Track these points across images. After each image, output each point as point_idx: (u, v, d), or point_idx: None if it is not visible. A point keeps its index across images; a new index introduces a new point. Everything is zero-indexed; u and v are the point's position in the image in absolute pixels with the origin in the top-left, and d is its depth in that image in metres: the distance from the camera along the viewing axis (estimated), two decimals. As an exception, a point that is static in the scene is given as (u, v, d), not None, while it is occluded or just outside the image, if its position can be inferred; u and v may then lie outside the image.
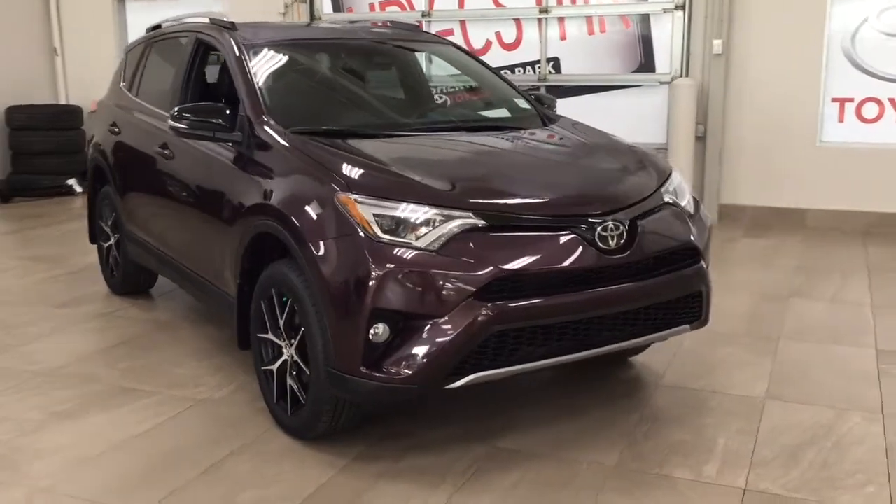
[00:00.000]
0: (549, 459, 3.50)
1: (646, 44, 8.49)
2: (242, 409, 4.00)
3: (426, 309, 3.14)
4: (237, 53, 4.33)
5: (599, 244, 3.36)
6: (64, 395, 4.21)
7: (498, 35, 8.98)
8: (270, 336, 3.71)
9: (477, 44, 9.08)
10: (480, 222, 3.27)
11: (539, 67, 8.87)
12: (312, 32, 4.84)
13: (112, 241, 5.83)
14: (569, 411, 3.95)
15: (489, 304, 3.14)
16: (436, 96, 4.96)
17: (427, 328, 3.15)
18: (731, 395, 4.13)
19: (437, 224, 3.23)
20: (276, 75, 4.33)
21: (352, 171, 3.46)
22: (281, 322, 3.61)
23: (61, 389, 4.28)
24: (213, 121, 3.98)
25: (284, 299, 3.57)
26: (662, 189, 3.80)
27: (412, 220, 3.23)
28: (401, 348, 3.18)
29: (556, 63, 8.83)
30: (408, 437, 3.70)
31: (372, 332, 3.16)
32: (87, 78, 10.67)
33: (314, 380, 3.41)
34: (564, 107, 8.76)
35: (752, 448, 3.59)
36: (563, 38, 8.78)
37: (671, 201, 3.79)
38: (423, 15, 9.15)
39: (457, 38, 9.09)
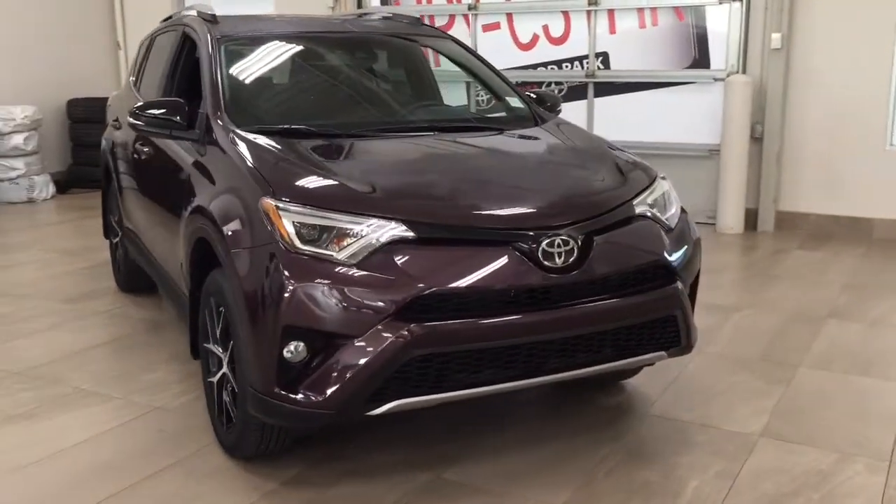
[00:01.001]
0: (491, 495, 3.18)
1: (700, 38, 7.96)
2: (193, 420, 3.82)
3: (342, 328, 2.87)
4: (208, 48, 4.14)
5: (543, 261, 3.01)
6: (26, 397, 4.12)
7: (545, 28, 8.59)
8: (212, 347, 3.51)
9: (524, 38, 8.72)
10: (410, 234, 2.97)
11: (587, 63, 8.44)
12: (300, 26, 4.60)
13: (119, 237, 5.77)
14: (533, 440, 3.61)
15: (409, 326, 2.84)
16: (422, 93, 4.62)
17: (343, 349, 2.88)
18: (723, 431, 3.71)
19: (362, 235, 2.95)
20: (244, 71, 4.12)
21: (280, 175, 3.21)
22: (218, 333, 3.40)
23: (26, 391, 4.19)
24: (170, 118, 3.81)
25: (220, 309, 3.36)
26: (637, 200, 3.41)
27: (336, 230, 2.96)
28: (317, 370, 2.92)
29: (604, 58, 8.38)
30: (350, 461, 3.44)
31: (286, 350, 2.91)
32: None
33: (240, 397, 3.19)
34: (612, 105, 8.38)
35: (724, 495, 3.18)
36: (612, 31, 8.32)
37: (646, 214, 3.40)
38: (470, 8, 8.84)
39: (503, 33, 8.78)
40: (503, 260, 2.98)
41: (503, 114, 4.44)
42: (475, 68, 4.70)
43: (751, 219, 7.81)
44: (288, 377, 2.94)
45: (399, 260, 2.91)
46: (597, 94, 8.46)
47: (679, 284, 3.35)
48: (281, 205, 3.03)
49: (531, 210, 3.16)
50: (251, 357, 3.02)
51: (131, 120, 3.85)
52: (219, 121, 3.72)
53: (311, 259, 2.92)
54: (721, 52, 7.87)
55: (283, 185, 3.13)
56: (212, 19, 4.42)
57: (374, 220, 2.97)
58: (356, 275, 2.89)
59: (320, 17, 5.02)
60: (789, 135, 7.70)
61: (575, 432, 3.69)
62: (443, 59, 5.01)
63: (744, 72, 7.71)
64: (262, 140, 3.52)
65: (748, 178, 7.72)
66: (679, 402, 4.00)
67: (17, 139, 9.44)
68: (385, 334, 2.84)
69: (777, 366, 4.45)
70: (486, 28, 8.86)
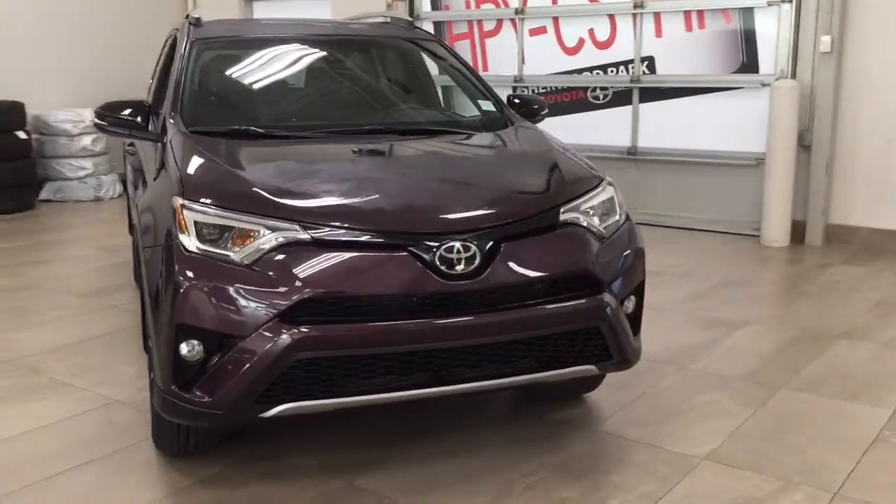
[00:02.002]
0: (400, 505, 3.11)
1: (749, 41, 7.62)
2: (144, 415, 3.86)
3: (230, 329, 2.87)
4: (181, 50, 4.23)
5: (441, 267, 2.92)
6: (0, 385, 4.30)
7: (591, 32, 8.41)
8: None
9: (569, 42, 8.55)
10: (306, 237, 2.94)
11: (632, 67, 8.20)
12: (280, 30, 4.65)
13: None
14: (463, 450, 3.51)
15: (293, 329, 2.81)
16: (391, 97, 4.55)
17: (232, 350, 2.87)
18: (666, 451, 3.51)
19: (259, 237, 2.94)
20: (210, 72, 4.18)
21: (193, 175, 3.24)
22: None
23: (2, 379, 4.36)
24: (131, 119, 3.89)
25: None
26: (566, 206, 3.27)
27: (236, 230, 2.96)
28: (210, 370, 2.92)
29: (650, 62, 8.13)
30: (271, 462, 3.43)
31: (183, 349, 2.93)
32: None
33: (151, 394, 3.23)
34: (657, 111, 8.10)
35: (639, 519, 3.01)
36: (658, 35, 8.06)
37: (574, 221, 3.26)
38: (517, 12, 8.73)
39: (549, 37, 8.64)
40: (398, 265, 2.91)
41: (474, 118, 4.34)
42: (456, 72, 4.61)
43: (798, 232, 7.42)
44: (185, 376, 2.95)
45: (291, 262, 2.89)
46: (642, 100, 8.22)
47: (606, 296, 3.19)
48: (187, 204, 3.05)
49: (433, 215, 3.08)
50: (155, 354, 3.06)
51: (96, 120, 3.95)
52: (171, 120, 3.79)
53: (208, 259, 2.93)
54: (770, 56, 7.51)
55: (193, 185, 3.15)
56: (195, 22, 4.50)
57: (272, 222, 2.96)
58: (248, 276, 2.88)
59: (315, 21, 5.02)
60: (840, 143, 7.27)
61: (510, 444, 3.57)
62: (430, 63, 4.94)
63: (794, 76, 7.33)
64: (199, 140, 3.56)
65: (795, 188, 7.33)
66: (634, 419, 3.82)
67: (86, 140, 9.89)
68: (269, 336, 2.82)
69: (757, 386, 4.19)
70: (533, 32, 8.74)
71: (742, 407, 3.95)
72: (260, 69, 4.40)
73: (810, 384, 4.23)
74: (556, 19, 8.59)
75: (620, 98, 8.32)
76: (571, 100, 8.65)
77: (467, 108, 4.62)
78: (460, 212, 3.11)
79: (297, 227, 2.94)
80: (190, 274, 2.91)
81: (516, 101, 4.49)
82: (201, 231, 2.98)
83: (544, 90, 8.79)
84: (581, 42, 8.48)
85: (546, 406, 3.93)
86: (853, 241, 7.30)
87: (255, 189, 3.12)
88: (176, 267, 2.94)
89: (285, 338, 2.80)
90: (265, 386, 2.86)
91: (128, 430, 3.72)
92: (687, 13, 7.86)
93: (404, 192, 3.24)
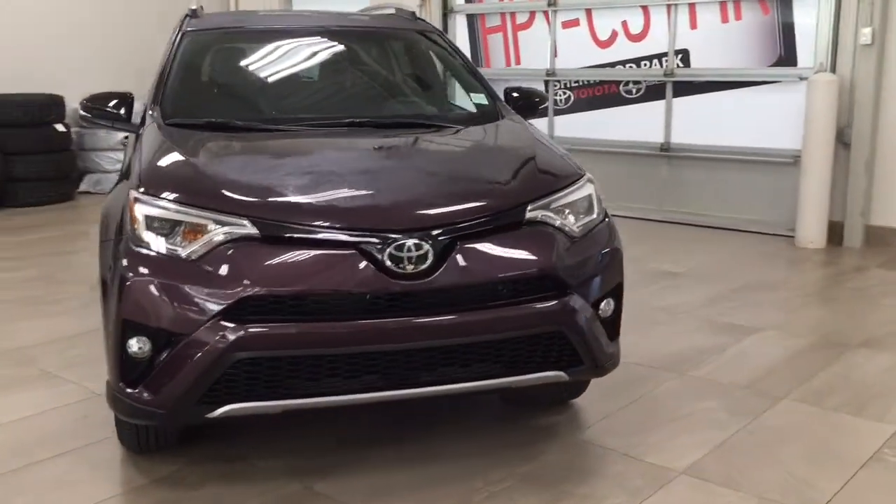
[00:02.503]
0: (348, 511, 3.02)
1: (787, 33, 7.30)
2: (121, 409, 3.86)
3: (174, 326, 2.80)
4: (172, 41, 4.19)
5: (390, 266, 2.81)
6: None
7: (624, 25, 8.17)
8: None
9: (602, 35, 8.33)
10: (255, 233, 2.85)
11: (666, 61, 7.94)
12: (277, 22, 4.57)
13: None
14: (431, 456, 3.39)
15: (234, 327, 2.73)
16: (380, 88, 4.43)
17: (176, 348, 2.80)
18: (643, 463, 3.34)
19: (208, 232, 2.87)
20: (195, 65, 4.12)
21: (151, 168, 3.18)
22: None
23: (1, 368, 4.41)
24: (114, 110, 3.86)
25: None
26: (534, 205, 3.12)
27: (185, 225, 2.89)
28: (156, 368, 2.86)
29: (684, 56, 7.86)
30: (234, 462, 3.35)
31: (130, 346, 2.87)
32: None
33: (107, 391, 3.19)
34: (691, 106, 7.82)
35: (598, 534, 2.86)
36: (693, 26, 7.79)
37: (542, 219, 3.11)
38: (550, 4, 8.54)
39: (582, 29, 8.43)
40: (346, 263, 2.81)
41: (464, 111, 4.21)
42: (453, 65, 4.47)
43: (836, 233, 7.08)
44: (132, 373, 2.89)
45: (236, 259, 2.81)
46: (675, 94, 7.95)
47: (572, 299, 3.04)
48: (140, 197, 3.00)
49: (387, 212, 2.95)
50: (106, 350, 3.01)
51: (81, 112, 3.93)
52: (152, 113, 3.75)
53: (155, 254, 2.87)
54: (809, 49, 7.18)
55: (148, 178, 3.10)
56: (192, 14, 4.46)
57: (222, 217, 2.88)
58: (193, 272, 2.81)
59: (316, 13, 4.93)
60: (881, 140, 6.92)
61: (484, 451, 3.43)
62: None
63: (833, 70, 6.99)
64: (171, 133, 3.51)
65: (833, 187, 7.00)
66: (618, 428, 3.65)
67: (124, 133, 10.01)
68: (210, 334, 2.74)
69: (758, 396, 3.98)
70: (566, 25, 8.54)
71: (736, 418, 3.74)
72: (248, 62, 4.35)
73: (816, 395, 3.99)
74: (588, 11, 8.37)
75: (654, 92, 8.07)
76: (604, 94, 8.42)
77: (463, 101, 4.47)
78: (416, 209, 2.99)
79: (247, 222, 2.86)
80: (136, 269, 2.85)
81: (514, 94, 4.34)
82: (152, 225, 2.91)
83: (576, 84, 8.59)
84: (614, 35, 8.25)
85: (530, 412, 3.79)
86: (894, 243, 6.94)
87: (210, 184, 3.05)
88: (123, 261, 2.88)
89: (225, 337, 2.73)
90: (207, 386, 2.78)
91: (101, 425, 3.68)
92: (723, 4, 7.57)
93: (362, 188, 3.12)
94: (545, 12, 8.63)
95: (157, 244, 2.88)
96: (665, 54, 7.94)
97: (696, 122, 7.84)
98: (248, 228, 2.85)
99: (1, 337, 4.90)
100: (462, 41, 9.32)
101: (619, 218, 8.09)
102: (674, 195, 8.01)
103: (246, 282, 2.76)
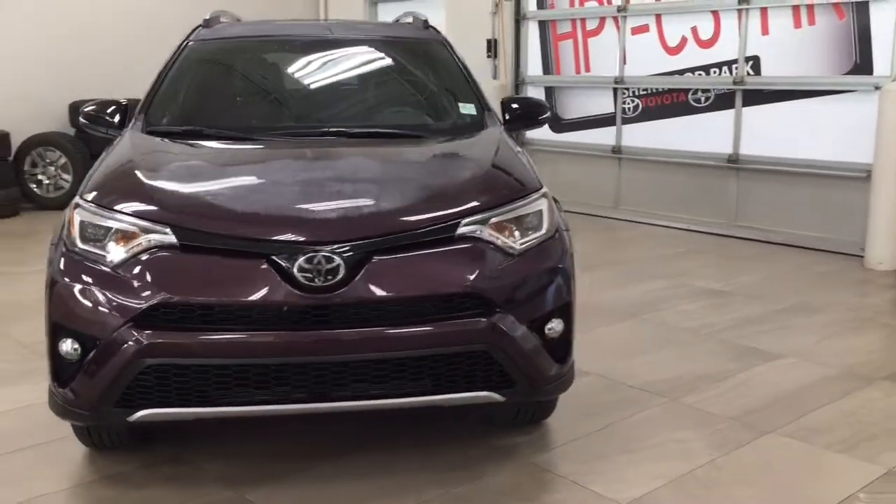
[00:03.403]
0: (269, 522, 3.02)
1: (863, 39, 6.83)
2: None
3: (93, 330, 2.88)
4: (175, 50, 4.32)
5: (300, 278, 2.79)
6: (6, 367, 4.54)
7: (694, 31, 7.85)
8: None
9: (672, 41, 8.04)
10: (174, 241, 2.90)
11: (736, 68, 7.58)
12: (282, 31, 4.63)
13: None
14: (373, 470, 3.34)
15: (142, 334, 2.79)
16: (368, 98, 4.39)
17: (94, 352, 2.89)
18: (586, 492, 3.19)
19: (132, 239, 2.94)
20: (189, 74, 4.21)
21: (99, 175, 3.29)
22: None
23: (13, 361, 4.63)
24: (107, 118, 4.00)
25: None
26: (469, 219, 3.03)
27: (114, 231, 2.98)
28: (80, 370, 2.95)
29: (755, 62, 7.48)
30: (179, 466, 3.41)
31: (60, 347, 2.98)
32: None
33: None
34: (761, 116, 7.42)
35: (504, 565, 2.75)
36: (765, 32, 7.40)
37: (475, 235, 3.02)
38: (619, 10, 8.32)
39: (652, 35, 8.17)
40: (255, 274, 2.82)
41: (445, 122, 4.12)
42: (451, 74, 4.40)
43: (910, 254, 6.56)
44: (64, 374, 2.99)
45: (152, 266, 2.87)
46: (745, 104, 7.58)
47: (499, 318, 2.93)
48: (79, 202, 3.10)
49: (300, 225, 2.93)
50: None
51: (81, 119, 4.10)
52: (136, 121, 3.88)
53: (83, 259, 2.96)
54: (887, 56, 6.69)
55: (93, 185, 3.20)
56: (205, 23, 4.58)
57: (147, 224, 2.94)
58: (113, 278, 2.89)
59: (325, 22, 4.96)
60: (963, 155, 6.36)
61: (426, 468, 3.37)
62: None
63: (913, 79, 6.49)
64: (140, 140, 3.62)
65: (907, 205, 6.49)
66: (578, 453, 3.50)
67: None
68: (122, 340, 2.81)
69: (744, 428, 3.73)
70: (635, 31, 8.30)
71: (710, 450, 3.52)
72: (240, 71, 4.41)
73: (809, 430, 3.71)
74: (658, 17, 8.10)
75: (722, 101, 7.72)
76: (672, 102, 8.13)
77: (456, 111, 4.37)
78: (331, 222, 2.96)
79: (168, 230, 2.91)
80: (65, 273, 2.96)
81: (513, 105, 4.22)
82: (85, 230, 3.01)
83: (644, 92, 8.32)
84: (683, 41, 7.95)
85: (494, 431, 3.68)
86: (975, 267, 6.37)
87: (145, 192, 3.12)
88: (55, 265, 3.00)
89: (133, 343, 2.79)
90: (121, 389, 2.85)
91: (66, 423, 3.79)
92: (796, 8, 7.16)
93: (286, 200, 3.12)
94: (615, 18, 8.41)
95: (89, 250, 2.97)
96: (735, 61, 7.59)
97: (766, 132, 7.45)
98: (169, 237, 2.90)
99: (25, 330, 5.16)
100: (533, 48, 9.22)
101: (681, 231, 7.88)
102: (740, 209, 7.65)
103: (157, 289, 2.82)
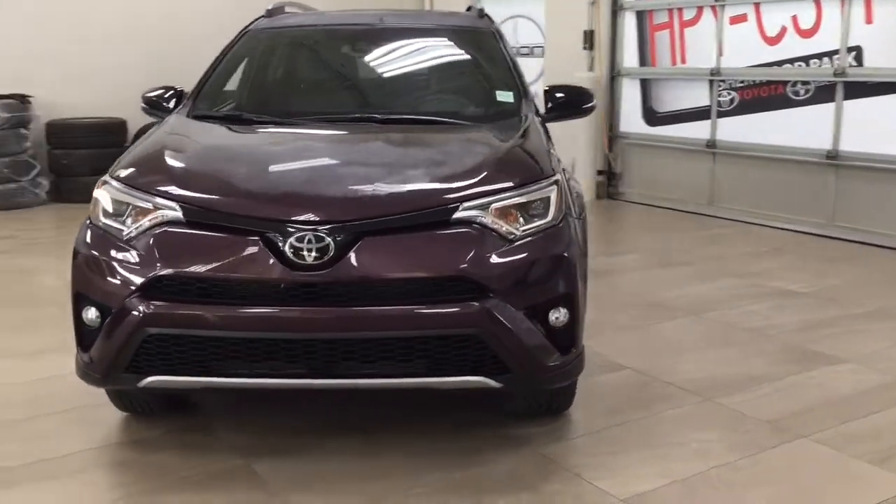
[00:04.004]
0: (269, 492, 3.09)
1: (975, 27, 6.32)
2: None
3: (106, 300, 3.03)
4: (235, 38, 4.48)
5: (290, 256, 2.85)
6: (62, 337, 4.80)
7: (794, 20, 7.47)
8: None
9: (771, 30, 7.68)
10: (181, 217, 3.02)
11: (837, 59, 7.17)
12: (336, 20, 4.70)
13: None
14: (378, 450, 3.37)
15: (145, 304, 2.91)
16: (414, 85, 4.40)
17: (108, 320, 3.04)
18: (590, 486, 3.11)
19: (146, 214, 3.08)
20: (240, 61, 4.36)
21: (130, 154, 3.45)
22: None
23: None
24: (164, 103, 4.20)
25: None
26: (469, 203, 3.02)
27: (132, 207, 3.12)
28: (98, 337, 3.11)
29: (857, 53, 7.05)
30: (205, 434, 3.54)
31: (83, 315, 3.15)
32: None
33: None
34: (863, 109, 6.98)
35: (478, 551, 2.72)
36: (868, 20, 6.96)
37: (472, 219, 3.00)
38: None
39: (750, 25, 7.84)
40: (248, 251, 2.89)
41: (482, 110, 4.10)
42: (497, 63, 4.36)
43: None
44: (86, 340, 3.16)
45: (159, 240, 2.99)
46: (846, 97, 7.15)
47: (491, 303, 2.91)
48: (106, 180, 3.27)
49: (294, 204, 2.99)
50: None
51: (142, 104, 4.31)
52: (184, 105, 4.05)
53: (103, 233, 3.12)
54: None
55: (120, 164, 3.36)
56: (267, 13, 4.73)
57: (161, 201, 3.07)
58: (126, 251, 3.02)
59: (380, 11, 4.98)
60: None
61: (432, 452, 3.36)
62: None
63: None
64: (179, 123, 3.78)
65: None
66: (591, 447, 3.43)
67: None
68: (128, 309, 2.94)
69: (775, 431, 3.55)
70: (733, 20, 7.97)
71: (731, 451, 3.37)
72: (289, 60, 4.53)
73: (846, 438, 3.49)
74: (757, 6, 7.75)
75: (822, 94, 7.32)
76: (769, 95, 7.77)
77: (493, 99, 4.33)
78: (325, 203, 3.00)
79: (177, 206, 3.03)
80: (86, 245, 3.13)
81: (557, 93, 4.14)
82: (108, 206, 3.17)
83: (741, 84, 7.99)
84: (783, 30, 7.57)
85: (509, 420, 3.63)
86: None
87: (164, 170, 3.25)
88: (79, 239, 3.17)
89: (137, 312, 2.92)
90: (129, 356, 2.99)
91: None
92: (903, -6, 6.70)
93: (288, 181, 3.20)
94: (713, 7, 8.11)
95: (109, 224, 3.13)
96: (836, 52, 7.17)
97: (868, 127, 7.01)
98: (177, 212, 3.02)
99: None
100: (630, 39, 9.01)
101: (776, 230, 7.53)
102: (838, 208, 7.23)
103: (159, 263, 2.94)
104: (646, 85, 8.96)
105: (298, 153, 3.51)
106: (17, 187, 8.87)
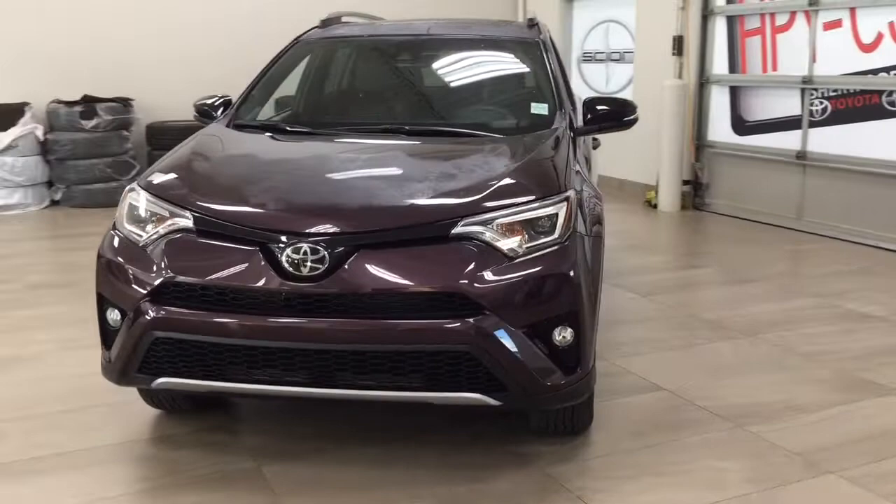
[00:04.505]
0: (272, 493, 3.16)
1: None
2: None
3: (122, 303, 3.16)
4: (285, 48, 4.60)
5: (287, 267, 2.91)
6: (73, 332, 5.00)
7: (891, 26, 7.05)
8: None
9: (866, 37, 7.27)
10: (191, 226, 3.13)
11: (935, 67, 6.73)
12: (385, 31, 4.74)
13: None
14: (383, 461, 3.39)
15: (153, 309, 3.03)
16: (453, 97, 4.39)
17: (122, 322, 3.17)
18: (585, 510, 3.05)
19: (163, 222, 3.20)
20: (286, 71, 4.46)
21: (160, 162, 3.58)
22: None
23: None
24: (213, 111, 4.35)
25: None
26: (470, 219, 3.01)
27: (151, 214, 3.25)
28: (117, 337, 3.25)
29: (958, 61, 6.60)
30: (226, 434, 3.65)
31: (107, 315, 3.30)
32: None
33: None
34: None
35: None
36: (971, 27, 6.51)
37: (471, 235, 2.98)
38: (811, 3, 7.65)
39: (845, 31, 7.45)
40: (247, 260, 2.97)
41: (516, 124, 4.08)
42: (541, 75, 4.31)
43: None
44: (109, 339, 3.31)
45: (171, 248, 3.10)
46: (946, 108, 6.72)
47: (486, 320, 2.88)
48: (133, 187, 3.42)
49: (293, 216, 3.05)
50: None
51: (194, 112, 4.48)
52: (225, 115, 4.19)
53: (123, 238, 3.26)
54: None
55: (148, 171, 3.50)
56: (321, 24, 4.83)
57: (175, 209, 3.19)
58: (141, 256, 3.15)
59: (430, 21, 5.00)
60: None
61: (438, 465, 3.36)
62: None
63: None
64: (217, 132, 3.92)
65: None
66: (599, 470, 3.35)
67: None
68: (138, 312, 3.07)
69: (803, 464, 3.37)
70: (827, 26, 7.60)
71: (748, 483, 3.23)
72: (331, 70, 4.61)
73: (878, 477, 3.28)
74: (853, 10, 7.36)
75: (920, 105, 6.89)
76: (864, 105, 7.36)
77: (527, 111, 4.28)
78: (324, 214, 3.04)
79: (189, 215, 3.14)
80: (108, 250, 3.27)
81: (597, 105, 4.06)
82: (131, 212, 3.31)
83: (834, 93, 7.60)
84: (879, 37, 7.16)
85: (522, 437, 3.58)
86: None
87: (184, 178, 3.37)
88: (104, 243, 3.32)
89: (147, 316, 3.04)
90: (141, 358, 3.11)
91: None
92: None
93: (292, 192, 3.27)
94: (806, 12, 7.75)
95: (130, 229, 3.27)
96: (934, 60, 6.74)
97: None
98: (189, 221, 3.13)
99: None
100: (720, 45, 8.72)
101: (868, 248, 7.13)
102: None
103: (167, 269, 3.05)
104: (735, 92, 8.65)
105: (310, 165, 3.58)
106: (118, 186, 9.34)
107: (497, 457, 3.45)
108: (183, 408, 3.77)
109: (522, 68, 4.41)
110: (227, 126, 4.04)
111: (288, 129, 3.97)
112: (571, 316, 3.05)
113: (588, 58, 10.88)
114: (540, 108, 4.04)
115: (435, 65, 4.53)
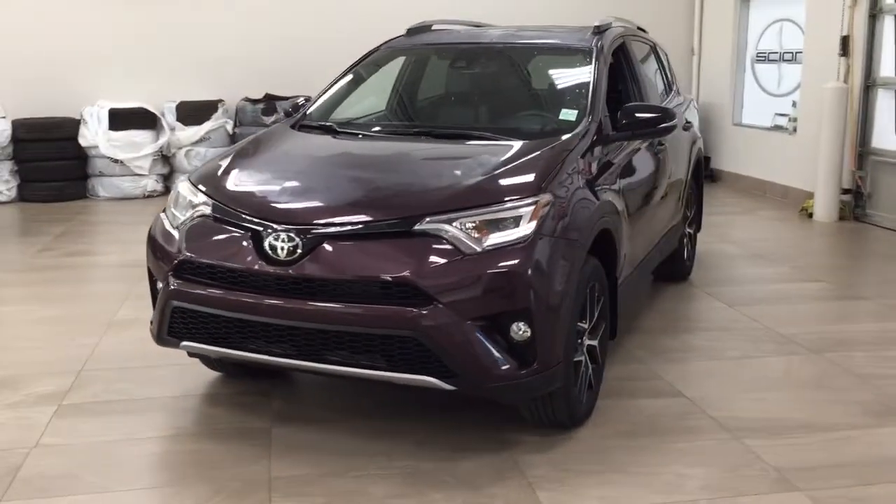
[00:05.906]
0: (265, 458, 3.60)
1: None
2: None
3: (157, 275, 3.73)
4: (365, 54, 5.06)
5: (269, 252, 3.34)
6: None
7: None
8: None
9: None
10: (208, 211, 3.64)
11: None
12: (453, 38, 5.04)
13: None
14: (373, 434, 3.75)
15: (173, 282, 3.57)
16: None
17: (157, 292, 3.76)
18: (532, 497, 3.23)
19: (193, 207, 3.74)
20: (358, 76, 4.89)
21: (214, 158, 4.13)
22: None
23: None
24: (293, 111, 4.88)
25: None
26: (434, 217, 3.29)
27: (187, 200, 3.79)
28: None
29: None
30: (262, 397, 4.13)
31: (156, 286, 3.90)
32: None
33: None
34: None
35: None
36: None
37: (436, 232, 3.27)
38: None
39: None
40: (241, 244, 3.42)
41: (541, 127, 4.29)
42: (578, 82, 4.42)
43: None
44: (154, 306, 3.93)
45: (193, 230, 3.63)
46: None
47: (433, 309, 3.16)
48: (182, 178, 4.00)
49: (281, 207, 3.48)
50: None
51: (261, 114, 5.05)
52: (291, 116, 4.70)
53: (168, 220, 3.84)
54: None
55: (201, 164, 4.07)
56: (407, 32, 5.23)
57: (203, 198, 3.72)
58: (172, 237, 3.70)
59: (503, 29, 5.24)
60: None
61: (424, 441, 3.65)
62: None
63: None
64: (277, 131, 4.44)
65: None
66: (567, 462, 3.49)
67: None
68: (165, 284, 3.62)
69: (775, 480, 3.33)
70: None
71: (708, 492, 3.27)
72: (407, 75, 4.96)
73: (848, 501, 3.18)
74: None
75: None
76: None
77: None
78: (302, 208, 3.47)
79: (210, 202, 3.66)
80: (154, 230, 3.86)
81: (633, 112, 4.18)
82: (178, 199, 3.89)
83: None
84: None
85: (511, 425, 3.77)
86: None
87: (221, 171, 3.88)
88: (153, 224, 3.91)
89: (169, 288, 3.58)
90: (168, 323, 3.66)
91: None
92: None
93: (288, 187, 3.68)
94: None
95: (173, 212, 3.84)
96: None
97: None
98: (209, 208, 3.65)
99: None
100: (888, 46, 8.15)
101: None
102: None
103: (185, 249, 3.58)
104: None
105: (318, 163, 4.01)
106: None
107: (480, 440, 3.68)
108: (230, 372, 4.32)
109: (566, 75, 4.56)
110: (293, 126, 4.53)
111: (337, 130, 4.39)
112: (526, 312, 3.24)
113: (762, 58, 10.47)
114: (568, 115, 4.19)
115: (485, 72, 4.79)
